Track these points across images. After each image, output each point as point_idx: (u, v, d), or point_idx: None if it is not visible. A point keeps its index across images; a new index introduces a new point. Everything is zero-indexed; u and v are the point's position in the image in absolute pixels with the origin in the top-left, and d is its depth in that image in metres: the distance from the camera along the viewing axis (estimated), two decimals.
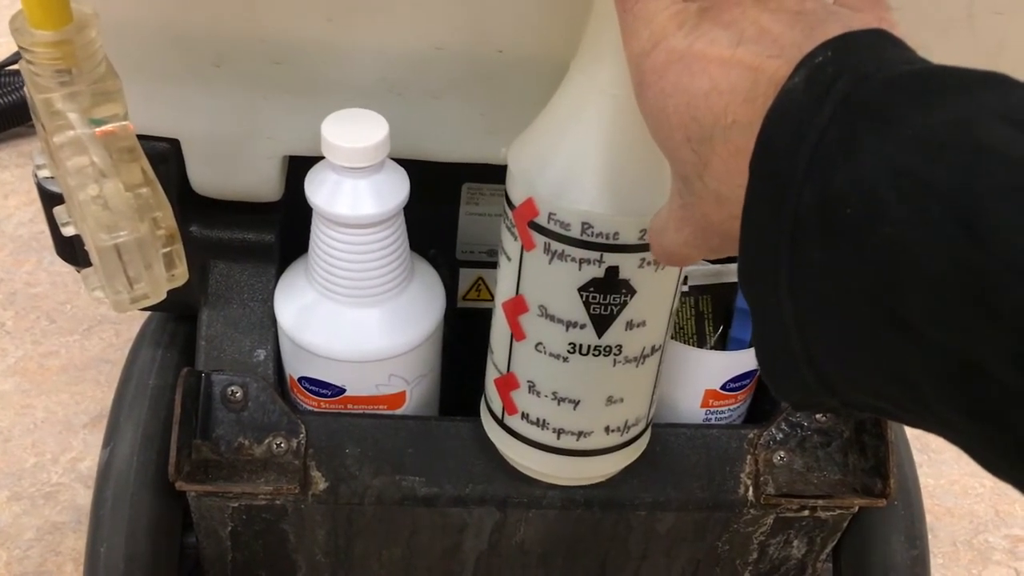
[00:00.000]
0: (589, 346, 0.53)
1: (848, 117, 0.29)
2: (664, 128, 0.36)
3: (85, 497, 0.89)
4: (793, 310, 0.30)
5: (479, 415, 0.62)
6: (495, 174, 0.56)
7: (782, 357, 0.32)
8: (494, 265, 0.58)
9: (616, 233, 0.48)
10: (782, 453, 0.64)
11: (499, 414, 0.59)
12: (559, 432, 0.57)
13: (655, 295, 0.52)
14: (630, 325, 0.52)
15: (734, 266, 0.67)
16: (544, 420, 0.56)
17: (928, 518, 0.70)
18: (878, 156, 0.27)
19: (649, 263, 0.50)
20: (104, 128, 0.44)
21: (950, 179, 0.26)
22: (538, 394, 0.55)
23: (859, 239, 0.27)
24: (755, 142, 0.31)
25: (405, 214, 0.58)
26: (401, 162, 0.58)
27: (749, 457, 0.64)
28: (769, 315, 0.31)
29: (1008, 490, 1.04)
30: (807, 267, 0.29)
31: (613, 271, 0.50)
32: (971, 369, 0.26)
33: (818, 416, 0.65)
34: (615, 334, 0.52)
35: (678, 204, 0.38)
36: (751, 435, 0.64)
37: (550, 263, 0.50)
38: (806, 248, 0.29)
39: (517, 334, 0.54)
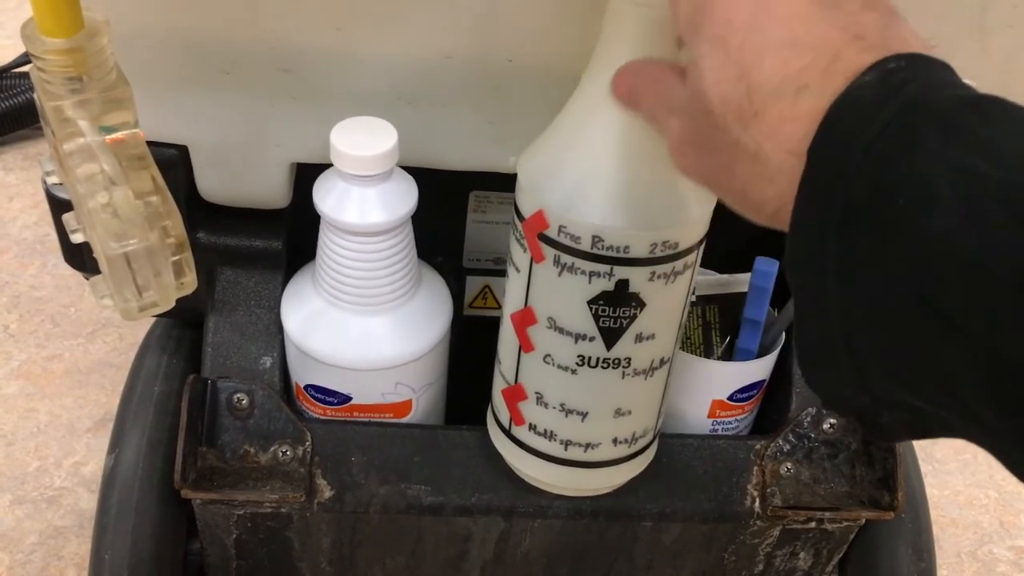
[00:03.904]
0: (598, 359, 0.52)
1: (913, 117, 0.29)
2: (717, 57, 0.34)
3: (88, 501, 0.89)
4: (839, 298, 0.30)
5: (485, 424, 0.61)
6: (503, 182, 0.56)
7: (822, 346, 0.32)
8: (501, 273, 0.57)
9: (627, 247, 0.48)
10: (789, 464, 0.64)
11: (506, 425, 0.58)
12: (567, 444, 0.56)
13: (664, 308, 0.52)
14: (639, 338, 0.52)
15: (742, 276, 0.67)
16: (552, 432, 0.56)
17: (932, 529, 0.69)
18: (937, 154, 0.28)
19: (659, 276, 0.50)
20: (114, 136, 0.44)
21: (1009, 178, 0.26)
22: (546, 406, 0.55)
23: (910, 230, 0.28)
24: (816, 129, 0.31)
25: (412, 221, 0.58)
26: (408, 170, 0.58)
27: (756, 468, 0.64)
28: (812, 302, 0.32)
29: (1013, 501, 1.04)
30: (855, 255, 0.30)
31: (623, 284, 0.50)
32: (1011, 366, 0.26)
33: (825, 427, 0.64)
34: (624, 347, 0.52)
35: (692, 129, 0.36)
36: (758, 446, 0.64)
37: (560, 276, 0.50)
38: (855, 236, 0.30)
39: (525, 346, 0.54)
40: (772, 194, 0.34)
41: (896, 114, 0.29)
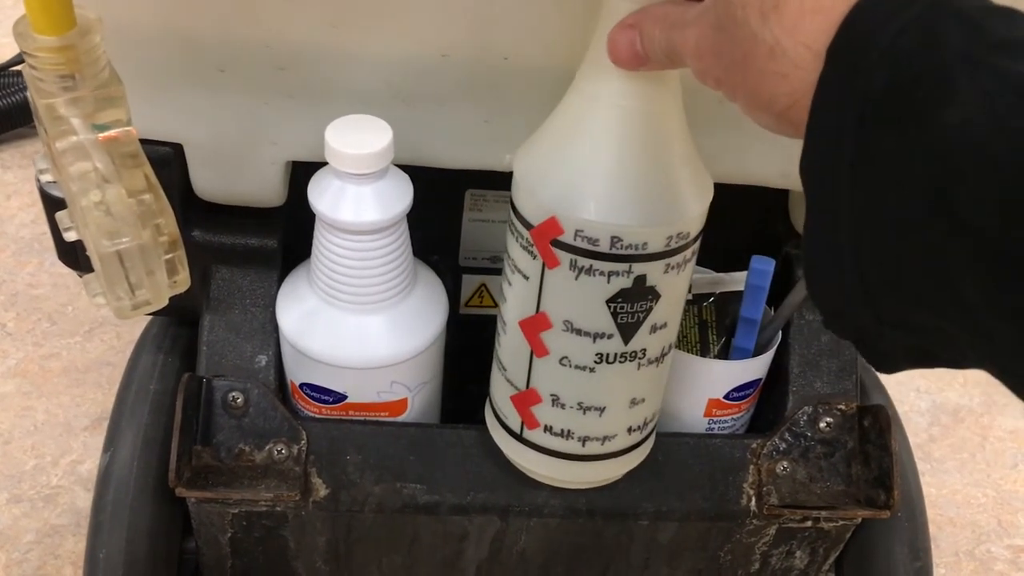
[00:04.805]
0: (615, 354, 0.53)
1: (935, 17, 0.29)
2: None
3: (85, 500, 0.89)
4: (850, 198, 0.30)
5: (481, 422, 0.61)
6: (498, 180, 0.56)
7: (829, 254, 0.32)
8: (497, 272, 0.57)
9: (645, 243, 0.48)
10: (785, 463, 0.64)
11: (517, 429, 0.58)
12: (584, 440, 0.57)
13: (675, 295, 0.52)
14: (654, 328, 0.52)
15: (737, 275, 0.67)
16: (569, 430, 0.56)
17: (930, 528, 0.69)
18: (958, 51, 0.28)
19: (673, 267, 0.50)
20: (107, 134, 0.44)
21: None
22: (563, 406, 0.55)
23: (926, 123, 0.28)
24: (837, 27, 0.31)
25: (407, 219, 0.58)
26: (404, 168, 0.58)
27: (752, 467, 0.64)
28: (823, 205, 0.31)
29: (1011, 500, 1.04)
30: (870, 150, 0.30)
31: (641, 280, 0.50)
32: (1018, 267, 0.25)
33: (821, 426, 0.64)
34: (641, 339, 0.52)
35: (710, 28, 0.36)
36: (754, 445, 0.64)
37: (577, 279, 0.50)
38: (871, 131, 0.30)
39: (538, 351, 0.54)
40: (785, 90, 0.34)
41: (919, 14, 0.30)
